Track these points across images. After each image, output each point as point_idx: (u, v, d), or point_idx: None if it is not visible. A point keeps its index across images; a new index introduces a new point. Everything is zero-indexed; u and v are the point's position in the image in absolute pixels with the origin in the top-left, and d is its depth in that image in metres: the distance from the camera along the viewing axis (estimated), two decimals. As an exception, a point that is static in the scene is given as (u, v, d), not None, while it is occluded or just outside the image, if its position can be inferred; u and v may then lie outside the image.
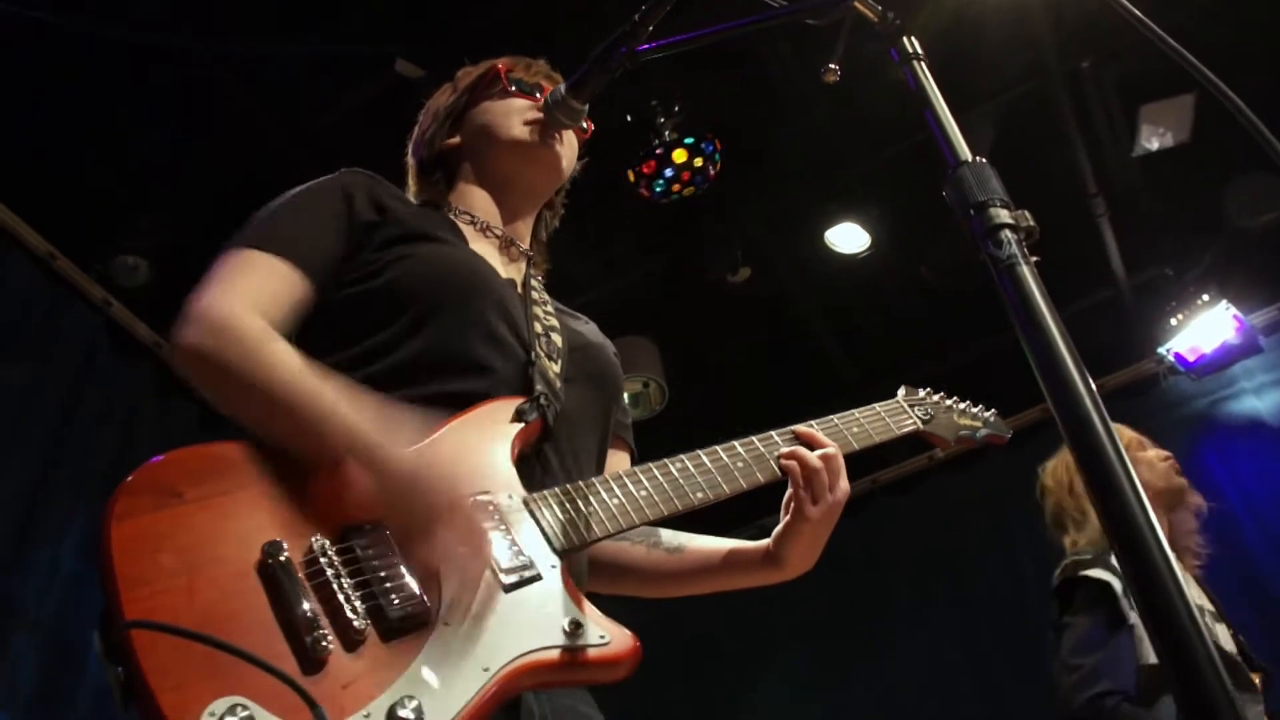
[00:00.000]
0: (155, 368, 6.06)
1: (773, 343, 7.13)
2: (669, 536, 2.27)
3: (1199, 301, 6.38)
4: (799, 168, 6.12)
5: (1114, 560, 3.76)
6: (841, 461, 2.10)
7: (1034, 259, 1.22)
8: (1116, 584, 3.69)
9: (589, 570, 2.25)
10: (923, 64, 1.46)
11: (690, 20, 1.97)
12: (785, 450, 2.08)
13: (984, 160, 1.34)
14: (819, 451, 2.08)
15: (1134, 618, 3.58)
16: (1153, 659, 3.46)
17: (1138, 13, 1.59)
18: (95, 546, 1.50)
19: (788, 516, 2.09)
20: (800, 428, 2.17)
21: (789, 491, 2.09)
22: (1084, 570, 3.78)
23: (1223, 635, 3.77)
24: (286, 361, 1.77)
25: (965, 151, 1.36)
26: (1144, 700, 3.46)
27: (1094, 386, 1.12)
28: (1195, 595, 3.81)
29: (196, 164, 5.50)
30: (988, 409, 2.57)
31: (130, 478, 1.58)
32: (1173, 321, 6.49)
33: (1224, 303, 6.31)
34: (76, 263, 5.70)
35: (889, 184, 6.05)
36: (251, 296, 1.84)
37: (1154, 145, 5.88)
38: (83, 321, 5.75)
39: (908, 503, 7.32)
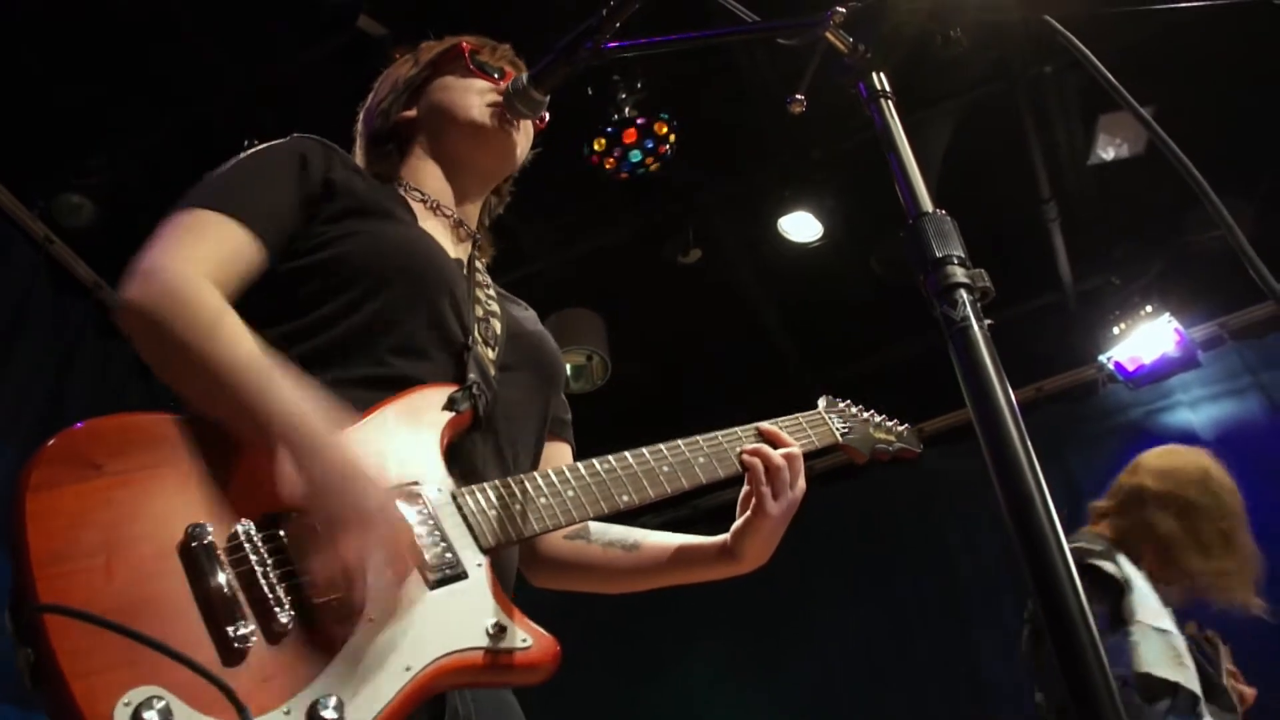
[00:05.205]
0: (95, 308, 5.94)
1: (718, 325, 7.13)
2: (623, 533, 2.26)
3: (1142, 312, 6.47)
4: (756, 154, 6.11)
5: (1122, 559, 3.59)
6: (802, 461, 2.15)
7: (987, 321, 1.21)
8: (1135, 581, 3.51)
9: (545, 568, 2.26)
10: (890, 102, 1.44)
11: (660, 16, 1.94)
12: (749, 447, 2.13)
13: (944, 213, 1.33)
14: (782, 450, 2.13)
15: (1135, 623, 3.41)
16: (1146, 669, 3.33)
17: (1084, 48, 1.58)
18: (6, 518, 1.42)
19: (747, 512, 2.11)
20: (764, 425, 2.21)
21: (746, 488, 2.12)
22: (1092, 560, 3.56)
23: None
24: (238, 341, 1.71)
25: (926, 202, 1.34)
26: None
27: (1036, 462, 1.11)
28: None
29: (151, 107, 5.39)
30: (902, 423, 2.61)
31: (47, 445, 1.49)
32: (1115, 330, 6.57)
33: (1166, 315, 6.41)
34: (19, 197, 5.57)
35: (845, 175, 6.04)
36: (205, 261, 1.78)
37: (1109, 155, 5.92)
38: (21, 258, 5.62)
39: (837, 489, 7.34)
